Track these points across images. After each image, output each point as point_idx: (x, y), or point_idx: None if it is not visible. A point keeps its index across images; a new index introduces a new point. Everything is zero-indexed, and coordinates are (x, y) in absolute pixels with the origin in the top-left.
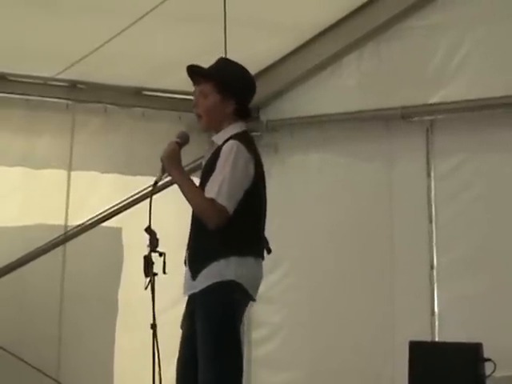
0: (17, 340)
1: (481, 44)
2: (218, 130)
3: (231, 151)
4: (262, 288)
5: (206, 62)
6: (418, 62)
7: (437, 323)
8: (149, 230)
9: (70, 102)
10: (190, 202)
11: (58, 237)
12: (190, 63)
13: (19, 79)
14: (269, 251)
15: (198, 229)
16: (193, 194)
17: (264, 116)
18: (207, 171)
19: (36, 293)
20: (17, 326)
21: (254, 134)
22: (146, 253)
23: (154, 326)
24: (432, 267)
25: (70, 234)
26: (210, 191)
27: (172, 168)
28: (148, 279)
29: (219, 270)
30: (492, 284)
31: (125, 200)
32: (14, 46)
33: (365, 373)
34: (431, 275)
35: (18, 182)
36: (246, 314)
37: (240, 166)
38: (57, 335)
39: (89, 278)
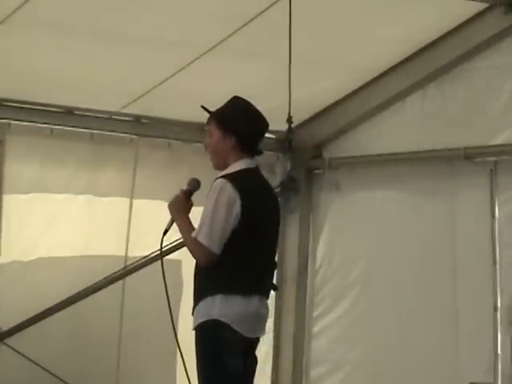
0: (76, 373)
1: None
2: (226, 167)
3: (215, 191)
4: (322, 324)
5: (269, 98)
6: (480, 102)
7: (499, 366)
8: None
9: (134, 137)
10: (185, 244)
11: (118, 271)
12: (251, 100)
13: (85, 113)
14: (274, 288)
15: (198, 270)
16: (185, 237)
17: (326, 154)
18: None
19: (95, 326)
20: (77, 359)
21: (316, 171)
22: None
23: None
24: (496, 309)
25: (130, 269)
26: (195, 231)
27: (176, 215)
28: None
29: (206, 309)
30: None
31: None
32: (80, 80)
33: None
34: (495, 317)
35: (81, 212)
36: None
37: (223, 205)
38: (115, 372)
39: (147, 313)
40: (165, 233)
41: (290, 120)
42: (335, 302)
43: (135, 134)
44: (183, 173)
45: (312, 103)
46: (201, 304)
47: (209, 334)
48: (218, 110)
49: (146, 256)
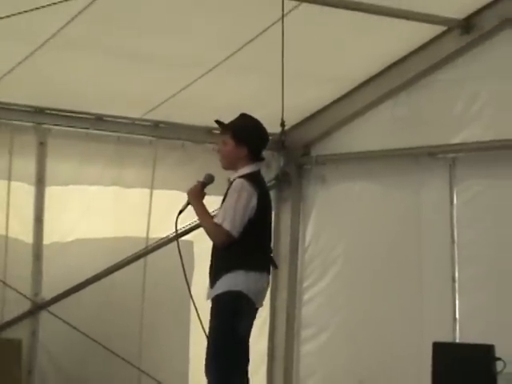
0: (106, 335)
1: (495, 94)
2: (234, 170)
3: (237, 187)
4: (311, 293)
5: (266, 105)
6: (442, 108)
7: (458, 328)
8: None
9: (153, 139)
10: (202, 227)
11: (141, 250)
12: (251, 107)
13: (112, 119)
14: (275, 266)
15: (216, 250)
16: (205, 220)
17: (314, 152)
18: (222, 202)
19: (122, 296)
20: (106, 324)
21: (305, 166)
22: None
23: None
24: (454, 280)
25: (151, 248)
26: (219, 218)
27: (193, 200)
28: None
29: (229, 281)
30: (503, 295)
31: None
32: (108, 92)
33: (395, 371)
34: (453, 287)
35: (110, 201)
36: (296, 315)
37: (243, 198)
38: (138, 331)
39: (165, 285)
40: (180, 212)
41: (283, 124)
42: (321, 275)
43: (154, 137)
44: (194, 168)
45: (301, 109)
46: (223, 278)
47: (231, 301)
48: (233, 125)
49: (164, 238)
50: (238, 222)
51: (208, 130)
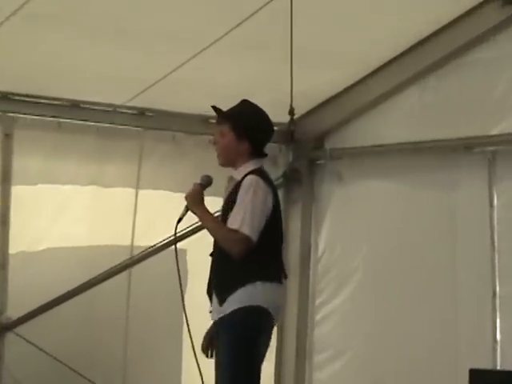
0: (84, 359)
1: None
2: (234, 167)
3: (251, 185)
4: (325, 312)
5: (271, 90)
6: (479, 93)
7: (498, 352)
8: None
9: (138, 129)
10: (214, 235)
11: (125, 261)
12: (254, 92)
13: (89, 106)
14: (285, 276)
15: (223, 259)
16: (216, 228)
17: (328, 145)
18: (229, 205)
19: (102, 315)
20: (84, 347)
21: (318, 162)
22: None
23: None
24: (494, 295)
25: (137, 258)
26: (234, 222)
27: (194, 206)
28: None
29: (246, 295)
30: None
31: (192, 224)
32: (86, 74)
33: None
34: (494, 303)
35: (88, 202)
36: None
37: (260, 198)
38: (122, 355)
39: (154, 300)
40: (179, 221)
41: (292, 112)
42: (337, 290)
43: (140, 127)
44: (187, 164)
45: (314, 95)
46: (238, 292)
47: (250, 318)
48: (234, 114)
49: (153, 246)
50: (257, 224)
51: (204, 119)
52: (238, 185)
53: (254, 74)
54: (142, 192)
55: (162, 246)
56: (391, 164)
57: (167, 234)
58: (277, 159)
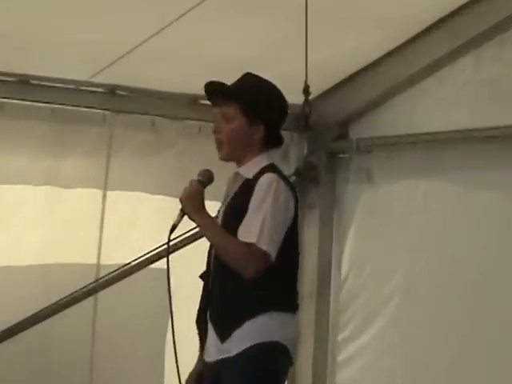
0: None
1: None
2: (240, 161)
3: (271, 186)
4: (350, 350)
5: (279, 62)
6: None
7: None
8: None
9: (107, 113)
10: (219, 249)
11: (88, 285)
12: (258, 64)
13: (44, 83)
14: (297, 307)
15: (225, 279)
16: (223, 240)
17: (354, 133)
18: (234, 209)
19: (61, 352)
20: None
21: (341, 155)
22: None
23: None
24: None
25: (104, 281)
26: (247, 234)
27: (193, 210)
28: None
29: (258, 329)
30: None
31: (177, 237)
32: (39, 41)
33: None
34: None
35: (42, 207)
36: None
37: (281, 204)
38: None
39: (126, 333)
40: (173, 229)
41: (306, 90)
42: (366, 323)
43: (109, 110)
44: (170, 158)
45: (336, 68)
46: (247, 325)
47: (264, 360)
48: (242, 91)
49: (126, 264)
50: (278, 238)
51: (192, 100)
52: (249, 185)
53: (258, 41)
54: (111, 194)
55: (137, 264)
56: (436, 158)
57: (144, 248)
58: (287, 151)
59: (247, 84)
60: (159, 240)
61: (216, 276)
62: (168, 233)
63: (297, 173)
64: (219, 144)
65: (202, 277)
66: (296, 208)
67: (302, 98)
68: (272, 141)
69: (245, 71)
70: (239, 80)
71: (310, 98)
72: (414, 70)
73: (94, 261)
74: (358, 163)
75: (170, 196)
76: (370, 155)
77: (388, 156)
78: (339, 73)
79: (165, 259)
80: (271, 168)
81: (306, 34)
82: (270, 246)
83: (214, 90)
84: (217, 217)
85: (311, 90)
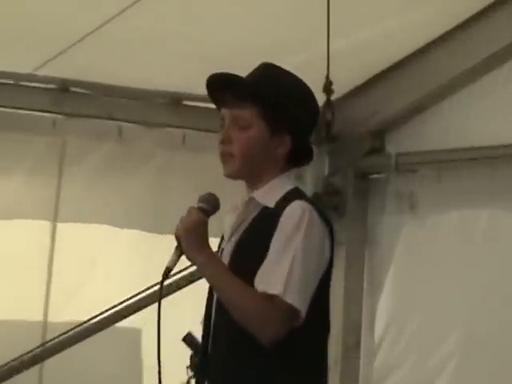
0: None
1: None
2: (254, 181)
3: (301, 219)
4: None
5: (293, 51)
6: None
7: None
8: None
9: (58, 116)
10: (228, 302)
11: (33, 350)
12: (266, 53)
13: None
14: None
15: (233, 343)
16: (234, 290)
17: (392, 147)
18: (248, 248)
19: None
20: None
21: (374, 176)
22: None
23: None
24: None
25: (53, 344)
26: (269, 283)
27: (193, 248)
28: None
29: None
30: None
31: (148, 288)
32: None
33: None
34: None
35: None
36: None
37: (315, 243)
38: None
39: None
40: (166, 274)
41: (328, 87)
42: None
43: (60, 113)
44: (144, 178)
45: (368, 58)
46: None
47: None
48: (263, 86)
49: (84, 322)
50: (309, 289)
51: (173, 101)
52: (269, 215)
53: (260, 25)
54: (62, 227)
55: (98, 322)
56: (504, 179)
57: (108, 300)
58: (302, 170)
59: (268, 78)
60: (129, 290)
61: (219, 338)
62: (161, 277)
63: (315, 198)
64: (229, 156)
65: (185, 340)
66: (332, 248)
67: (322, 99)
68: (298, 156)
69: (245, 61)
70: (255, 73)
71: (332, 98)
72: (472, 63)
73: (40, 317)
74: (398, 186)
75: (144, 230)
76: (413, 175)
77: (437, 177)
78: (372, 65)
79: (135, 316)
80: (298, 194)
81: (327, 9)
82: (299, 299)
83: (223, 85)
84: None
85: (334, 87)
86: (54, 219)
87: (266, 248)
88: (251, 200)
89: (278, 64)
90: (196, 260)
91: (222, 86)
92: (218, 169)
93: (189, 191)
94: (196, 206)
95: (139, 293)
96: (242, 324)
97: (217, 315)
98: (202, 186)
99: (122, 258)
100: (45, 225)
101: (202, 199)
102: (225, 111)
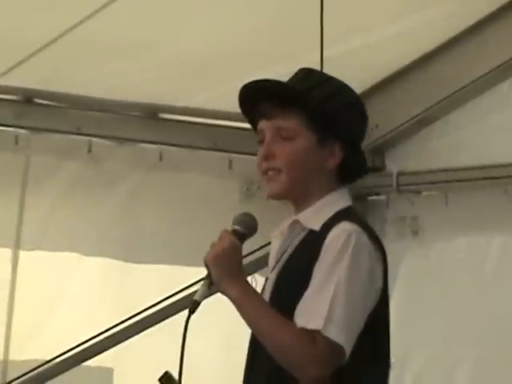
0: None
1: None
2: (299, 201)
3: (347, 243)
4: None
5: (288, 56)
6: None
7: None
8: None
9: (20, 131)
10: (264, 337)
11: None
12: (259, 57)
13: None
14: None
15: (272, 381)
16: (270, 325)
17: (392, 165)
18: (291, 277)
19: None
20: None
21: (373, 198)
22: None
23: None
24: None
25: None
26: (309, 316)
27: (226, 277)
28: None
29: None
30: None
31: (120, 323)
32: None
33: None
34: None
35: None
36: None
37: (362, 271)
38: None
39: None
40: (194, 308)
41: None
42: None
43: (22, 127)
44: (116, 200)
45: (364, 70)
46: None
47: None
48: (309, 93)
49: (52, 359)
50: (356, 324)
51: (149, 114)
52: (314, 240)
53: (251, 28)
54: (25, 255)
55: (66, 359)
56: None
57: (76, 337)
58: None
59: (313, 84)
60: (99, 324)
61: (257, 377)
62: (188, 312)
63: None
64: (276, 173)
65: (161, 380)
66: (385, 276)
67: None
68: (351, 169)
69: (234, 66)
70: (296, 78)
71: None
72: (485, 69)
73: (0, 356)
74: (399, 209)
75: (116, 259)
76: (416, 197)
77: (444, 198)
78: (370, 75)
79: (106, 354)
80: (348, 214)
81: (321, 16)
82: (343, 335)
83: (263, 93)
84: (263, 289)
85: None
86: (16, 246)
87: (309, 278)
88: (296, 223)
89: (270, 68)
90: (227, 291)
91: (263, 95)
92: (199, 190)
93: (165, 215)
94: (230, 229)
95: (110, 328)
96: (280, 362)
97: (254, 352)
98: (181, 209)
99: (92, 289)
100: (5, 252)
101: (236, 220)
102: (264, 123)
